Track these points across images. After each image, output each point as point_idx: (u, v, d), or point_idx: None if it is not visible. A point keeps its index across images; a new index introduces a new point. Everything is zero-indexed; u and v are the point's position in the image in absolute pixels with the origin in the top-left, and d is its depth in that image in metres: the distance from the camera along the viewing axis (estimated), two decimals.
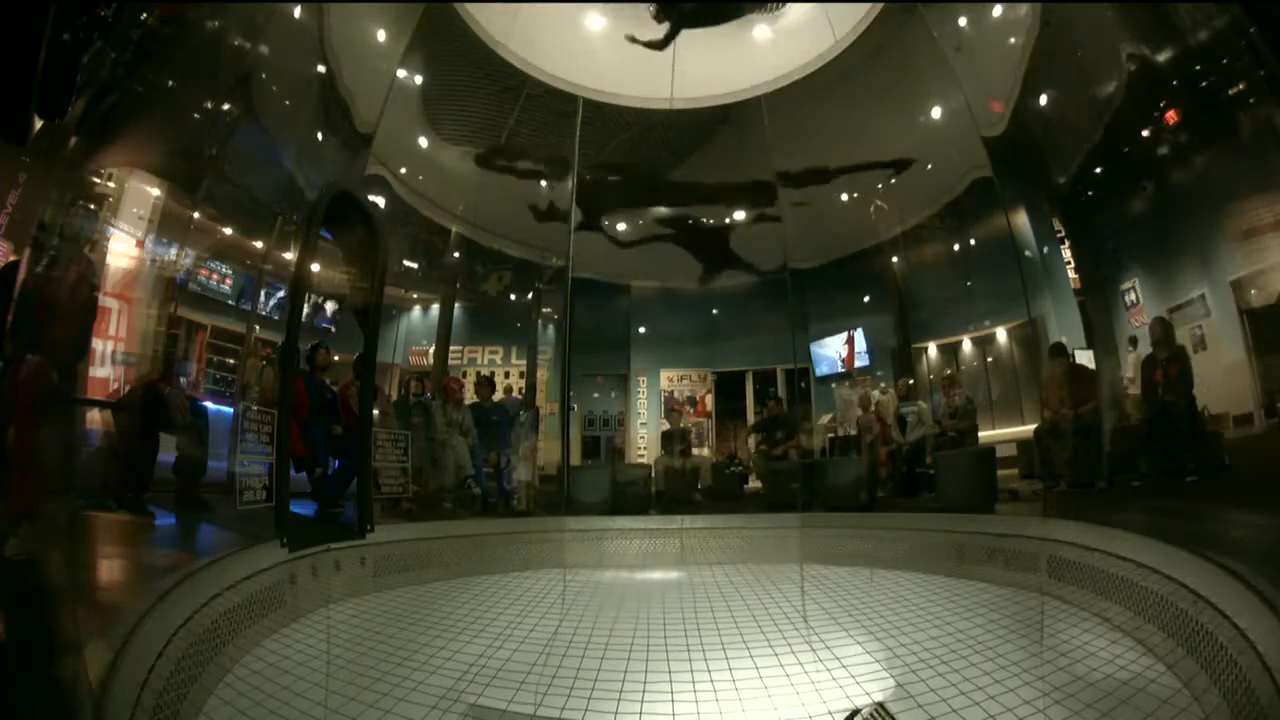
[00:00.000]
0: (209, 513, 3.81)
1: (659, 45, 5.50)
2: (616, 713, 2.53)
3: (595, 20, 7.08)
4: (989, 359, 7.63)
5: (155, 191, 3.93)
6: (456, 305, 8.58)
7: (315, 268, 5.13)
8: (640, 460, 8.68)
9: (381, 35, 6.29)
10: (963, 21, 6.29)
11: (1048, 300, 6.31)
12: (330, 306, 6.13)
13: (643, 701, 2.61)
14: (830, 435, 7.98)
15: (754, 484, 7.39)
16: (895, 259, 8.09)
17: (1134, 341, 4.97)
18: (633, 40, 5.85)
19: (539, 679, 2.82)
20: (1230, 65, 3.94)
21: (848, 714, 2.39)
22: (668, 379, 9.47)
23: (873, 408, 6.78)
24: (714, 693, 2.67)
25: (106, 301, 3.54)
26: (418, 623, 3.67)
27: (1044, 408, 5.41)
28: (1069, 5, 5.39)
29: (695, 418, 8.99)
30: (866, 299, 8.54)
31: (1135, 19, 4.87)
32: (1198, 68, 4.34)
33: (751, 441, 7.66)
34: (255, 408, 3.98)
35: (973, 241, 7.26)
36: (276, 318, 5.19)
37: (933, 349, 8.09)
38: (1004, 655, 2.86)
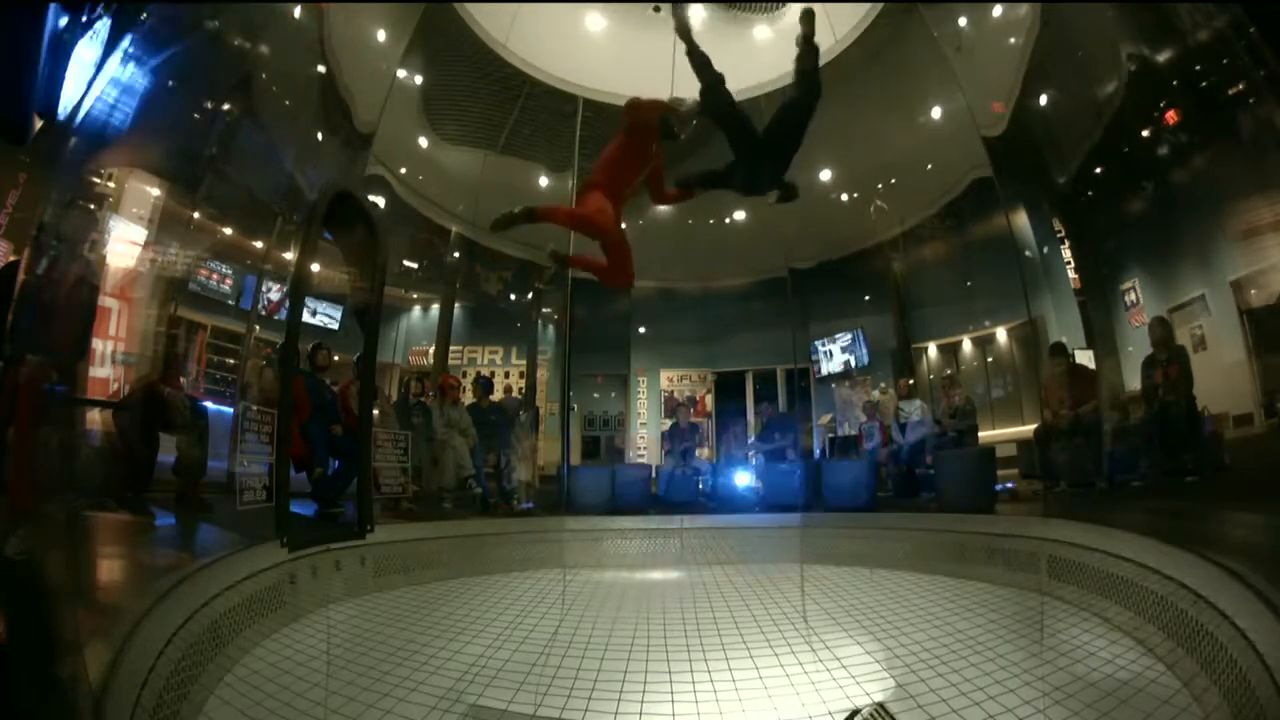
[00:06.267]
0: (209, 513, 3.81)
1: None
2: (616, 713, 2.53)
3: (595, 20, 7.08)
4: (989, 359, 7.62)
5: (155, 191, 3.93)
6: (456, 305, 8.58)
7: (315, 268, 5.14)
8: (640, 460, 8.67)
9: (381, 35, 6.29)
10: (963, 21, 6.28)
11: (1048, 300, 6.30)
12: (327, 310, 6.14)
13: (643, 701, 2.61)
14: (830, 435, 7.97)
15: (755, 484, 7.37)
16: (895, 259, 8.09)
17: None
18: None
19: (539, 679, 2.82)
20: (1230, 65, 3.95)
21: (848, 714, 2.39)
22: (668, 379, 9.46)
23: (875, 412, 6.77)
24: (714, 693, 2.67)
25: (106, 301, 3.54)
26: (418, 623, 3.67)
27: (1044, 408, 5.41)
28: (1069, 5, 5.39)
29: (695, 417, 8.98)
30: (866, 299, 8.53)
31: (1135, 19, 4.87)
32: (1198, 68, 4.34)
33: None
34: (255, 408, 3.97)
35: (973, 241, 7.26)
36: (277, 317, 5.19)
37: (933, 349, 8.09)
38: (1004, 655, 2.86)
